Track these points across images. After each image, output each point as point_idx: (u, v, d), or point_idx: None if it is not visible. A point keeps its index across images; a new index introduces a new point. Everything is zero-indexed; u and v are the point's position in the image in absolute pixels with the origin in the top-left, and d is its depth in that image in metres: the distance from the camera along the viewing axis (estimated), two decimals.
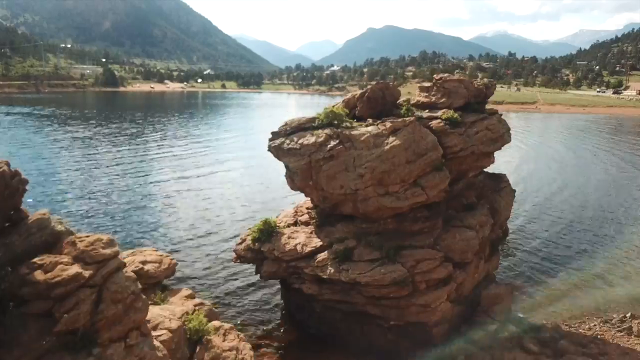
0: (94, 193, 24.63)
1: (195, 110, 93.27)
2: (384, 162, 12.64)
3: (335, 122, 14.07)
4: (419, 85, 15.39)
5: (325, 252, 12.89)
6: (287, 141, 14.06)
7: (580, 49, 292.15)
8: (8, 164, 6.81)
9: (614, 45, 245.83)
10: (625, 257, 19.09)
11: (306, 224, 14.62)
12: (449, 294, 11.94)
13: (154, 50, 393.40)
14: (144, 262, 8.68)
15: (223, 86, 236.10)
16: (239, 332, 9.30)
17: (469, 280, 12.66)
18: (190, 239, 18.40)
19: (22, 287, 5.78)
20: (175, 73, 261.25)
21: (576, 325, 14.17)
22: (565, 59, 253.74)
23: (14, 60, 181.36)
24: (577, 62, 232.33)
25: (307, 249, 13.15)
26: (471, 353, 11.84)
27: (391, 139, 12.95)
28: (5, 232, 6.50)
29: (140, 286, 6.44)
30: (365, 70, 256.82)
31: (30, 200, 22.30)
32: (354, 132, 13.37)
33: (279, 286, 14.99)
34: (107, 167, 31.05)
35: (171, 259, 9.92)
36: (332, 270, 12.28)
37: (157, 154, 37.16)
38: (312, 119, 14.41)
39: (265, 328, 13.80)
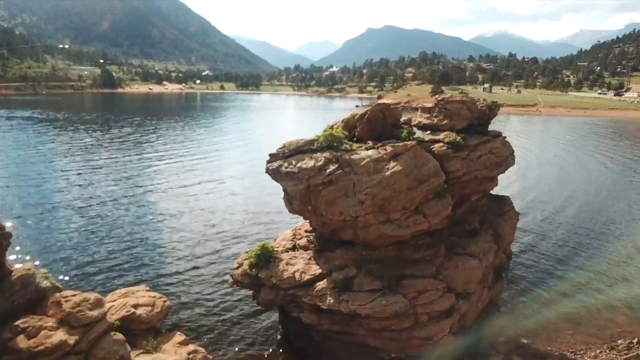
0: (84, 209, 24.14)
1: (194, 114, 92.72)
2: (385, 188, 12.30)
3: (335, 144, 13.72)
4: (420, 106, 14.99)
5: (325, 280, 12.54)
6: (285, 164, 13.69)
7: (581, 49, 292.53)
8: None
9: (615, 45, 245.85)
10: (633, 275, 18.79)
11: (305, 248, 14.26)
12: (452, 326, 11.60)
13: (152, 51, 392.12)
14: (135, 306, 8.28)
15: (222, 87, 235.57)
16: None
17: (472, 311, 12.32)
18: (184, 263, 17.83)
19: (4, 355, 5.40)
20: (173, 74, 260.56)
21: (582, 351, 13.85)
22: (566, 59, 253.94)
23: (12, 61, 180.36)
24: (578, 63, 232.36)
25: (306, 277, 12.79)
26: None
27: (392, 164, 12.60)
28: None
29: (129, 349, 6.05)
30: (364, 71, 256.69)
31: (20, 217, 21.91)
32: (354, 157, 13.01)
33: (277, 312, 14.61)
34: (101, 179, 30.49)
35: (164, 301, 9.55)
36: (332, 301, 11.93)
37: (153, 163, 36.67)
38: (311, 141, 14.05)
39: (263, 356, 13.43)
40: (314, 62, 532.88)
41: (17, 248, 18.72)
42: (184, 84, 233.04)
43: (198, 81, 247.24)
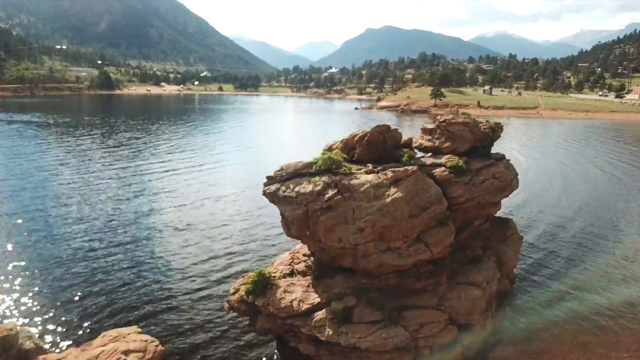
0: (77, 224, 23.66)
1: (192, 117, 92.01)
2: (385, 216, 11.94)
3: (334, 167, 13.36)
4: (421, 127, 14.63)
5: (323, 310, 12.17)
6: (283, 188, 13.31)
7: (582, 50, 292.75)
8: None
9: (615, 46, 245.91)
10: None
11: (303, 274, 13.88)
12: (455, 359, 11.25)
13: (151, 52, 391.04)
14: (126, 352, 7.90)
15: (220, 89, 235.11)
16: None
17: (475, 341, 11.97)
18: (178, 285, 17.24)
19: None
20: (171, 75, 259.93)
21: None
22: (566, 60, 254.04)
23: (9, 63, 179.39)
24: (579, 64, 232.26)
25: (304, 306, 12.42)
26: None
27: (392, 190, 12.24)
28: None
29: None
30: (363, 72, 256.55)
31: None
32: (353, 182, 12.65)
33: (274, 341, 14.20)
34: (94, 194, 29.76)
35: (156, 346, 9.16)
36: (331, 332, 11.57)
37: (150, 175, 36.07)
38: (309, 164, 13.66)
39: None
40: (313, 62, 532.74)
41: (8, 270, 18.29)
42: (182, 85, 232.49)
43: (196, 82, 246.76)
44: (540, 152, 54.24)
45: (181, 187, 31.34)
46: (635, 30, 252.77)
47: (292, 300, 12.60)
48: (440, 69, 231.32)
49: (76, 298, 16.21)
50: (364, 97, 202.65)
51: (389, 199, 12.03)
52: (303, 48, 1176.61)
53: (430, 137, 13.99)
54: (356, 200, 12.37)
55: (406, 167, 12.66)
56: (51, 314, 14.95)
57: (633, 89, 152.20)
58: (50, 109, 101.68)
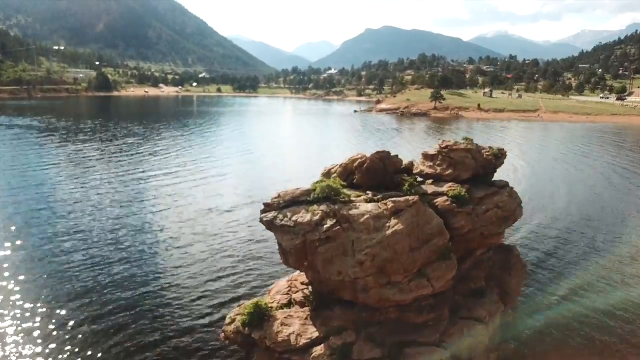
0: (70, 240, 23.24)
1: (191, 121, 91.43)
2: (386, 249, 11.57)
3: (332, 194, 12.98)
4: (423, 152, 14.26)
5: (322, 345, 11.79)
6: (280, 216, 12.91)
7: (583, 50, 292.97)
8: None
9: (616, 47, 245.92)
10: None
11: (301, 304, 13.50)
12: None
13: (149, 52, 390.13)
14: None
15: (218, 90, 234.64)
16: None
17: None
18: (172, 310, 16.82)
19: None
20: (170, 76, 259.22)
21: None
22: (567, 61, 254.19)
23: (6, 64, 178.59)
24: (579, 65, 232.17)
25: (302, 341, 12.04)
26: None
27: (393, 221, 11.87)
28: None
29: None
30: (363, 73, 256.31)
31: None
32: (353, 212, 12.27)
33: None
34: (93, 202, 29.54)
35: None
36: None
37: (148, 182, 35.70)
38: (307, 192, 13.28)
39: None
40: (311, 62, 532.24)
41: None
42: (180, 87, 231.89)
43: (195, 84, 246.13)
44: (541, 155, 54.01)
45: (181, 199, 30.85)
46: (636, 30, 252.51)
47: (290, 334, 12.23)
48: (440, 69, 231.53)
49: (65, 319, 15.79)
50: (363, 98, 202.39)
51: (389, 231, 11.66)
52: (302, 48, 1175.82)
53: (431, 164, 13.62)
54: (355, 232, 12.00)
55: (407, 196, 12.29)
56: (34, 337, 14.55)
57: (634, 91, 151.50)
58: (47, 111, 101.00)
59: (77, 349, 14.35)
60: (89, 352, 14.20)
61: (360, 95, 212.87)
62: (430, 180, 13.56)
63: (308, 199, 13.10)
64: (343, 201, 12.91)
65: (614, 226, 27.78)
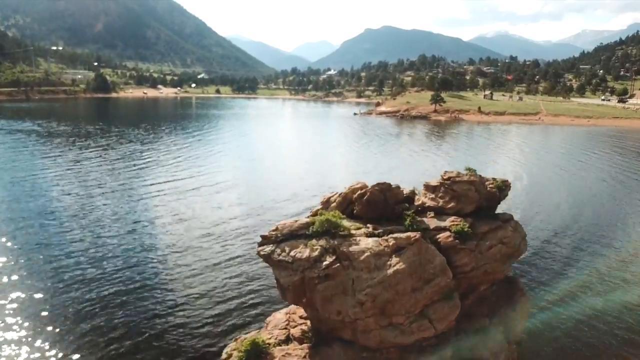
0: (63, 254, 22.83)
1: (190, 125, 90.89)
2: (387, 290, 11.20)
3: (332, 228, 12.61)
4: (425, 183, 13.87)
5: None
6: (278, 250, 12.53)
7: (584, 51, 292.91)
8: None
9: (618, 48, 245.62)
10: None
11: (300, 340, 13.11)
12: None
13: (147, 53, 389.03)
14: None
15: (217, 91, 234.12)
16: None
17: None
18: (169, 338, 16.40)
19: None
20: (168, 77, 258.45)
21: None
22: (567, 62, 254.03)
23: (4, 65, 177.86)
24: (580, 66, 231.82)
25: None
26: None
27: (394, 260, 11.50)
28: None
29: None
30: (362, 74, 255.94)
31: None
32: (353, 248, 11.89)
33: None
34: (91, 215, 29.08)
35: None
36: None
37: (147, 192, 35.21)
38: (306, 225, 12.90)
39: None
40: (311, 63, 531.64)
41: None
42: (179, 88, 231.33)
43: (193, 85, 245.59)
44: (543, 162, 53.65)
45: (181, 212, 30.28)
46: (638, 31, 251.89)
47: None
48: (440, 71, 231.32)
49: (57, 334, 15.38)
50: (362, 100, 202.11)
51: (390, 271, 11.29)
52: (301, 48, 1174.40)
53: (433, 196, 13.24)
54: (356, 270, 11.63)
55: (409, 233, 11.92)
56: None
57: (636, 93, 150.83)
58: (45, 115, 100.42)
59: None
60: None
61: (359, 96, 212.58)
62: (432, 213, 13.18)
63: (307, 232, 12.73)
64: (343, 235, 12.55)
65: (616, 233, 27.56)
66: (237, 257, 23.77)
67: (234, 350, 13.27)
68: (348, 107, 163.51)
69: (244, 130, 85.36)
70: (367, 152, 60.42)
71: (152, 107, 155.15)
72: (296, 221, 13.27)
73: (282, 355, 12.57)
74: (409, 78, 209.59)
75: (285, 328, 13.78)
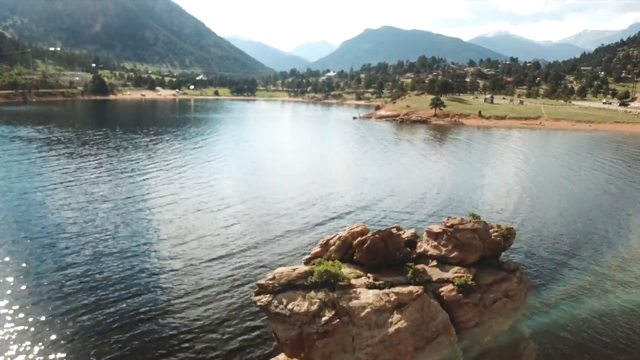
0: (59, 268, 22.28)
1: (189, 131, 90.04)
2: (388, 349, 10.78)
3: (331, 279, 12.18)
4: (427, 229, 13.44)
5: None
6: (275, 302, 12.09)
7: (585, 52, 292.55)
8: None
9: (619, 49, 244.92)
10: None
11: None
12: None
13: (146, 54, 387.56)
14: None
15: (216, 93, 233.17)
16: None
17: None
18: None
19: None
20: (167, 79, 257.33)
21: None
22: (568, 63, 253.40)
23: (1, 67, 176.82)
24: (582, 68, 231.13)
25: None
26: None
27: (396, 316, 11.08)
28: None
29: None
30: (362, 76, 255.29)
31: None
32: (353, 303, 11.46)
33: None
34: (92, 229, 28.41)
35: None
36: None
37: (149, 207, 34.55)
38: (305, 274, 12.46)
39: None
40: (310, 63, 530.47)
41: None
42: (177, 90, 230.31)
43: (192, 87, 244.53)
44: (543, 168, 53.26)
45: (181, 232, 29.64)
46: (639, 31, 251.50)
47: None
48: (440, 73, 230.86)
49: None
50: (362, 102, 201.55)
51: (392, 329, 10.87)
52: (300, 48, 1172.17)
53: (436, 244, 12.81)
54: (356, 327, 11.20)
55: (411, 288, 11.49)
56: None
57: (638, 96, 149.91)
58: (44, 118, 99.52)
59: None
60: None
61: (359, 98, 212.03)
62: (434, 261, 12.75)
63: (305, 283, 12.31)
64: (343, 286, 12.13)
65: (617, 241, 27.28)
66: (243, 280, 23.21)
67: None
68: (347, 110, 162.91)
69: (244, 138, 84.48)
70: (367, 160, 60.09)
71: (150, 110, 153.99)
72: (294, 269, 12.83)
73: None
74: (409, 80, 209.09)
75: None
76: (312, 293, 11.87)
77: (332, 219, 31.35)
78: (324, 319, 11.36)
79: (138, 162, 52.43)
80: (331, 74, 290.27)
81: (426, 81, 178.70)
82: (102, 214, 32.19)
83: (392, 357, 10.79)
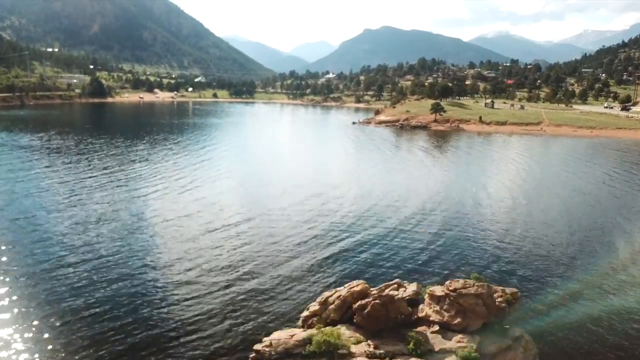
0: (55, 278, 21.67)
1: (187, 137, 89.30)
2: None
3: (330, 349, 11.74)
4: (429, 291, 12.98)
5: None
6: None
7: (585, 53, 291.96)
8: None
9: (620, 50, 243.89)
10: None
11: None
12: None
13: (144, 55, 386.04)
14: None
15: (215, 95, 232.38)
16: None
17: None
18: None
19: None
20: (165, 80, 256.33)
21: None
22: (569, 65, 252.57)
23: None
24: (582, 70, 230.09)
25: None
26: None
27: None
28: None
29: None
30: (362, 77, 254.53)
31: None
32: None
33: None
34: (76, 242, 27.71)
35: None
36: None
37: (150, 221, 33.89)
38: (302, 342, 12.00)
39: None
40: (309, 63, 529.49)
41: None
42: (175, 92, 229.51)
43: (190, 89, 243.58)
44: (544, 176, 52.80)
45: (187, 255, 28.95)
46: None
47: None
48: (440, 75, 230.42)
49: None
50: (361, 105, 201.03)
51: None
52: (300, 49, 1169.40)
53: (438, 309, 12.36)
54: None
55: None
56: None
57: (639, 100, 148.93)
58: (41, 123, 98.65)
59: None
60: None
61: (358, 101, 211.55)
62: (436, 327, 12.31)
63: (303, 352, 11.87)
64: (342, 355, 11.68)
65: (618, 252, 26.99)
66: (246, 290, 22.46)
67: None
68: (347, 114, 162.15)
69: (245, 145, 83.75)
70: (367, 167, 59.93)
71: (148, 114, 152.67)
72: (292, 336, 12.38)
73: None
74: (409, 82, 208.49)
75: None
76: None
77: (335, 242, 30.74)
78: None
79: (138, 174, 51.65)
80: (330, 75, 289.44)
81: (426, 84, 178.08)
82: (100, 225, 31.55)
83: None
